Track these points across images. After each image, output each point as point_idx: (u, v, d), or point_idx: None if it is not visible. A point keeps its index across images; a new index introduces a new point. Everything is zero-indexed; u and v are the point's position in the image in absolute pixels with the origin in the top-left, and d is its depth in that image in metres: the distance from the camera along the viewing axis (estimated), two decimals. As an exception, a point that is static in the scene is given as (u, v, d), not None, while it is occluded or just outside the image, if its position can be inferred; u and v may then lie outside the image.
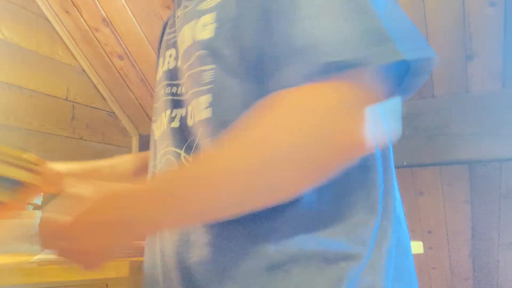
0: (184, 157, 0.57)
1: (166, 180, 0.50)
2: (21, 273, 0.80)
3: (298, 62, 0.45)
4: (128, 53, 1.93)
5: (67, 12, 1.83)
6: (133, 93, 2.09)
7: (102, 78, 2.04)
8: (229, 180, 0.46)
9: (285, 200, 0.48)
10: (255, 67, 0.51)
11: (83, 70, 1.99)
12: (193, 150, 0.56)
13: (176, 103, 0.61)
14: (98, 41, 1.91)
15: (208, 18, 0.54)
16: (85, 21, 1.85)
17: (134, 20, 1.81)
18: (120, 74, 2.02)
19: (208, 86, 0.54)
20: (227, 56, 0.53)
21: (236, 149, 0.46)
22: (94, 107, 2.04)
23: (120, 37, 1.88)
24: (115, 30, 1.86)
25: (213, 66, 0.54)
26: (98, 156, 2.19)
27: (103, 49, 1.94)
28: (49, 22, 1.84)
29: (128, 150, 2.23)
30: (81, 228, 0.49)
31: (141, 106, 2.13)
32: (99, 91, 2.07)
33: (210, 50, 0.54)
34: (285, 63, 0.46)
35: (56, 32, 1.87)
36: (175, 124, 0.60)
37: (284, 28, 0.47)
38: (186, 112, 0.58)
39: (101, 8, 1.80)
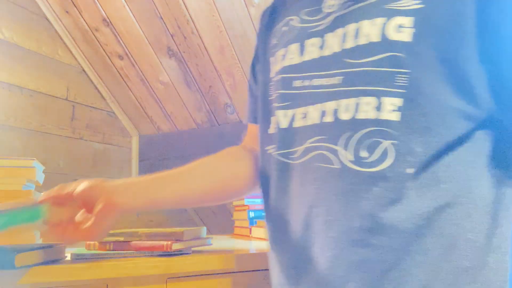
0: (341, 153, 0.58)
1: None
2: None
3: None
4: (128, 53, 1.93)
5: (67, 12, 1.83)
6: (133, 93, 2.09)
7: (102, 78, 2.04)
8: None
9: None
10: (462, 83, 0.54)
11: (83, 70, 1.99)
12: (351, 146, 0.58)
13: (327, 96, 0.61)
14: (98, 41, 1.91)
15: (405, 21, 0.55)
16: (85, 21, 1.85)
17: (134, 20, 1.81)
18: (120, 74, 2.02)
19: (401, 90, 0.55)
20: (428, 66, 0.54)
21: None
22: (94, 107, 2.04)
23: (120, 37, 1.88)
24: (115, 30, 1.86)
25: (408, 70, 0.55)
26: (98, 156, 2.20)
27: (103, 49, 1.94)
28: (49, 22, 1.84)
29: (128, 150, 2.23)
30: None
31: (141, 106, 2.13)
32: (99, 91, 2.07)
33: (409, 55, 0.55)
34: None
35: (56, 32, 1.87)
36: (329, 118, 0.60)
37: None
38: (339, 106, 0.59)
39: (101, 8, 1.80)
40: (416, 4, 0.55)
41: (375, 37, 0.57)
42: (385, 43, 0.56)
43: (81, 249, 0.98)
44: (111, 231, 0.97)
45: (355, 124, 0.57)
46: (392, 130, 0.55)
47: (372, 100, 0.56)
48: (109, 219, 0.65)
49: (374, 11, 0.58)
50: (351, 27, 0.59)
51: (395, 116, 0.55)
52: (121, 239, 0.94)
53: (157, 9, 1.74)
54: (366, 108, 0.56)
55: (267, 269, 0.75)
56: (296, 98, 0.65)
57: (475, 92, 0.54)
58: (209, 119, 2.05)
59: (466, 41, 0.52)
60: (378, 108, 0.56)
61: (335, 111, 0.59)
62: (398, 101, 0.55)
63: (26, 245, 0.90)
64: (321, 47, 0.63)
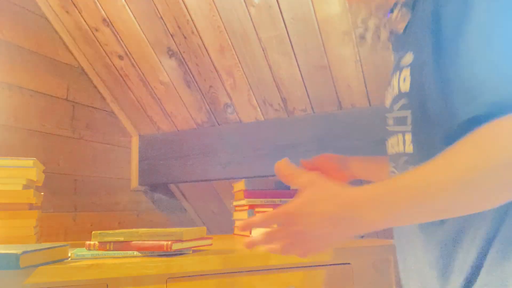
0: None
1: (387, 188, 0.59)
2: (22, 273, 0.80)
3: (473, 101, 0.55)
4: (128, 53, 1.93)
5: (67, 12, 1.83)
6: (133, 93, 2.09)
7: (102, 78, 2.04)
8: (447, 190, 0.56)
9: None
10: (440, 115, 0.62)
11: (83, 70, 1.99)
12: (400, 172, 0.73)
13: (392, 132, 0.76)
14: (98, 41, 1.91)
15: (407, 72, 0.69)
16: (85, 21, 1.85)
17: (134, 20, 1.81)
18: (120, 74, 2.02)
19: (409, 128, 0.69)
20: (418, 106, 0.67)
21: (452, 168, 0.55)
22: (94, 107, 2.04)
23: (120, 37, 1.88)
24: (115, 30, 1.86)
25: (409, 111, 0.69)
26: (98, 156, 2.19)
27: (103, 49, 1.94)
28: (49, 22, 1.84)
29: (128, 150, 2.23)
30: (302, 216, 0.59)
31: (141, 106, 2.13)
32: (99, 91, 2.07)
33: (408, 100, 0.69)
34: (462, 105, 0.57)
35: (56, 32, 1.87)
36: (393, 150, 0.76)
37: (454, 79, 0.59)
38: (398, 141, 0.74)
39: (101, 8, 1.80)
40: (411, 56, 0.69)
41: (396, 89, 0.72)
42: (399, 94, 0.71)
43: (81, 249, 0.98)
44: (111, 231, 0.97)
45: (396, 156, 0.74)
46: (410, 159, 0.69)
47: (400, 137, 0.72)
48: None
49: (395, 66, 0.74)
50: (392, 80, 0.76)
51: (411, 149, 0.69)
52: (121, 239, 0.94)
53: (157, 9, 1.74)
54: (399, 143, 0.73)
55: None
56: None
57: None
58: (209, 119, 2.05)
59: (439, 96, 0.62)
60: (404, 143, 0.71)
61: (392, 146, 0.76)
62: (410, 136, 0.69)
63: (31, 245, 0.91)
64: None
